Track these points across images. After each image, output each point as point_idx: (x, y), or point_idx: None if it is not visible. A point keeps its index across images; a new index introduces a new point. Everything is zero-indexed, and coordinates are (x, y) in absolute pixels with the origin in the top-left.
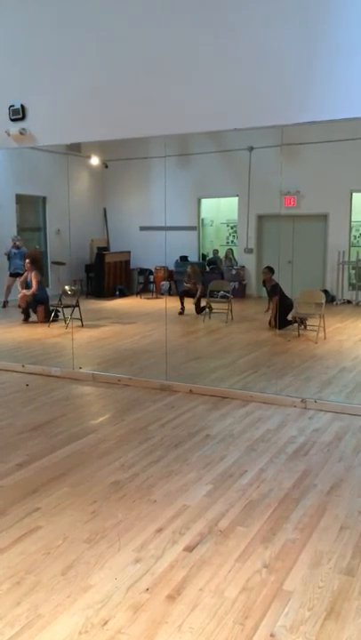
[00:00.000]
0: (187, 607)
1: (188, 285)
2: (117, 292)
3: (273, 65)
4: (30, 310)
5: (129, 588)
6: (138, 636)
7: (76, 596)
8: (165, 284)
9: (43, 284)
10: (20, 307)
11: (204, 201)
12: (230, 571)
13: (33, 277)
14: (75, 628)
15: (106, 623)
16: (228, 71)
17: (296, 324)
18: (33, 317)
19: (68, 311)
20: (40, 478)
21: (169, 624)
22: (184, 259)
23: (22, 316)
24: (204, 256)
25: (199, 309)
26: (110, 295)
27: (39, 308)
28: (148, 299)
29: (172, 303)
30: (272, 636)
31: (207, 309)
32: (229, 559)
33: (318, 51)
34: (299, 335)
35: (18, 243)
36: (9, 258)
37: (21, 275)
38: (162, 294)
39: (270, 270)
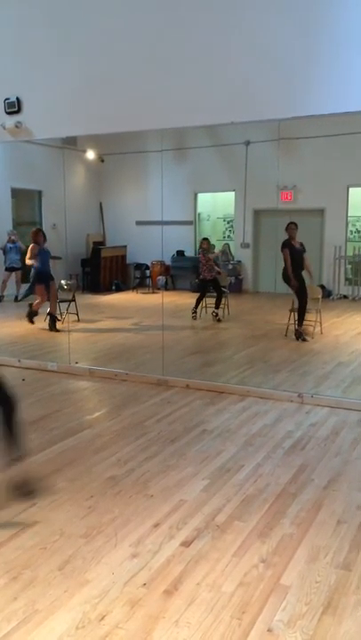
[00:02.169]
0: (184, 602)
1: (208, 267)
2: (114, 287)
3: (271, 58)
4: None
5: (126, 583)
6: (135, 630)
7: (73, 591)
8: (162, 279)
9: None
10: (36, 311)
11: (200, 195)
12: (227, 565)
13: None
14: (72, 623)
15: (103, 618)
16: (225, 65)
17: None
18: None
19: (64, 306)
20: (36, 473)
21: (166, 619)
22: (181, 253)
23: (27, 319)
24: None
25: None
26: (107, 290)
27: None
28: (144, 293)
29: (169, 298)
30: (269, 630)
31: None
32: (227, 554)
33: (316, 44)
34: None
35: (13, 237)
36: (5, 252)
37: (17, 269)
38: (158, 289)
39: (296, 226)
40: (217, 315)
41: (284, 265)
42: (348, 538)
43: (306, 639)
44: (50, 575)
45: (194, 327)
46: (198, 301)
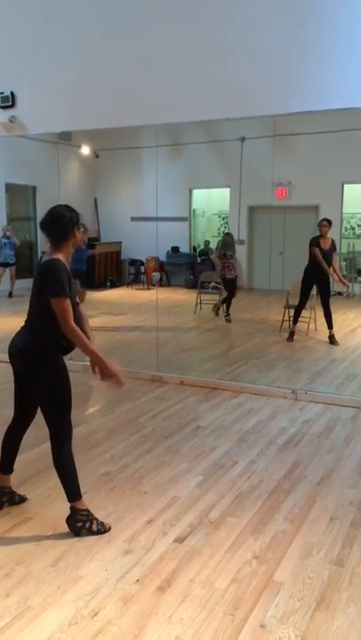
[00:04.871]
0: (177, 598)
1: (223, 264)
2: (108, 283)
3: (265, 54)
4: None
5: (119, 580)
6: (128, 627)
7: (66, 588)
8: (157, 275)
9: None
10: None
11: (195, 192)
12: (221, 562)
13: None
14: (64, 620)
15: (96, 614)
16: (220, 60)
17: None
18: None
19: None
20: (30, 470)
21: (159, 615)
22: (175, 250)
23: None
24: (194, 247)
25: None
26: (101, 286)
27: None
28: (139, 290)
29: (163, 294)
30: (262, 626)
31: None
32: (220, 550)
33: (311, 41)
34: (290, 327)
35: (8, 232)
36: None
37: (11, 265)
38: (153, 285)
39: (329, 223)
40: (228, 315)
41: (308, 262)
42: (340, 534)
43: (298, 635)
44: (43, 572)
45: (189, 323)
46: (225, 302)
